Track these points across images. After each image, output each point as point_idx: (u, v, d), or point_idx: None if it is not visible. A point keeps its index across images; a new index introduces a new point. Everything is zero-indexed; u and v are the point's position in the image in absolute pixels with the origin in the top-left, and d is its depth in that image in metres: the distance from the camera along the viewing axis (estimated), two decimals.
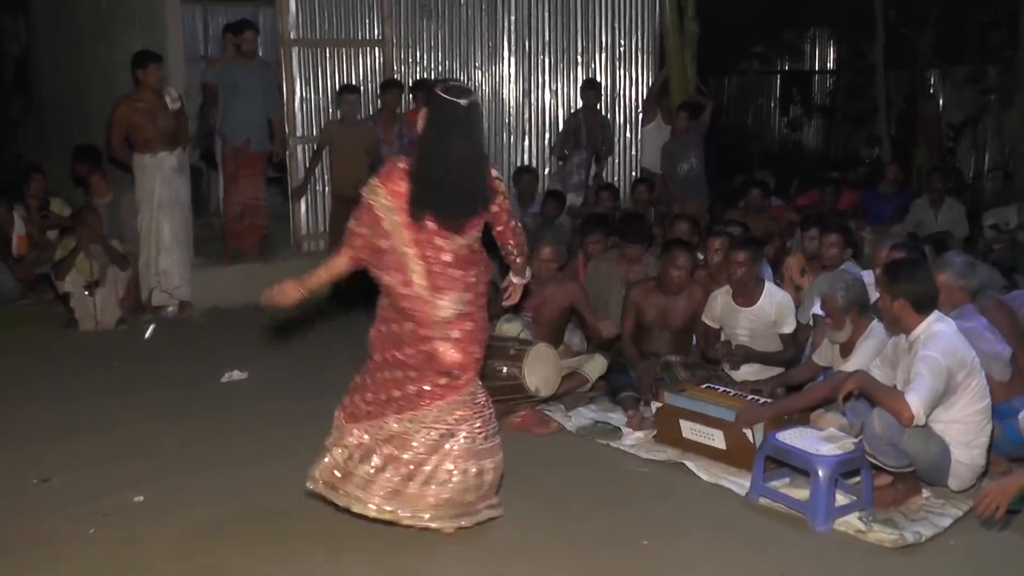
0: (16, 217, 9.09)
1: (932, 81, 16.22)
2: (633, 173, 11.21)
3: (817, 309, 5.80)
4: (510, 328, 6.21)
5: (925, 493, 4.80)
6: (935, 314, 4.69)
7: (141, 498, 4.94)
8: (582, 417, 6.02)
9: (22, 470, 5.31)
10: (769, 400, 5.38)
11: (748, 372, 6.08)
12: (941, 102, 15.72)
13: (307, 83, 9.62)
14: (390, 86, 9.41)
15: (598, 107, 10.76)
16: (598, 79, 11.01)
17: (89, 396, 6.60)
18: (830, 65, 19.22)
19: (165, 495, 4.97)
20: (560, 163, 10.50)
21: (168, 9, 9.28)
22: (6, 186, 9.55)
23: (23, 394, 6.65)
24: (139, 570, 4.25)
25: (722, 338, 6.18)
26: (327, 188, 9.60)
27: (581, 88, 10.75)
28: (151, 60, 8.23)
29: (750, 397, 5.43)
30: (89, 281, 8.18)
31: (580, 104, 10.70)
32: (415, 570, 4.20)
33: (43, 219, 9.49)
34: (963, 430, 4.64)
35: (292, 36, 9.51)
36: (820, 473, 4.54)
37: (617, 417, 5.97)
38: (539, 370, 5.77)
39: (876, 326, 5.27)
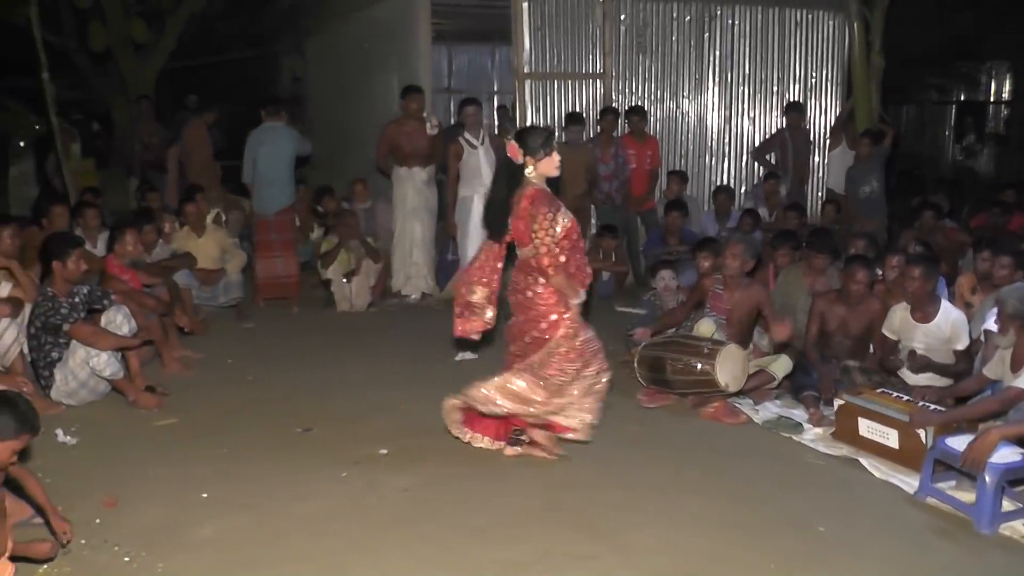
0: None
1: None
2: (819, 194, 10.83)
3: (989, 324, 5.47)
4: (705, 329, 6.11)
5: None
6: None
7: (385, 451, 5.10)
8: (768, 411, 5.90)
9: (289, 422, 5.56)
10: (940, 408, 5.13)
11: (922, 379, 5.80)
12: None
13: (537, 111, 9.67)
14: (608, 113, 9.37)
15: (802, 126, 10.46)
16: None
17: (344, 364, 6.86)
18: (1005, 96, 18.01)
19: (404, 450, 5.11)
20: (754, 184, 10.29)
21: (421, 49, 9.54)
22: None
23: (290, 361, 6.96)
24: (378, 510, 4.40)
25: (900, 348, 5.92)
26: None
27: (786, 108, 10.46)
28: (411, 91, 8.51)
29: (921, 403, 5.19)
30: (347, 271, 8.49)
31: (783, 124, 10.47)
32: (613, 532, 4.18)
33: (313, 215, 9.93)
34: None
35: (526, 70, 9.57)
36: (988, 478, 4.30)
37: (799, 413, 5.81)
38: (729, 368, 5.67)
39: None
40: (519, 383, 4.79)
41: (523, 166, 4.74)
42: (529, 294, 4.79)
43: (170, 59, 14.86)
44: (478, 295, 4.95)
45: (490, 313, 4.97)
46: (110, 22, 13.80)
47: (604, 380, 4.94)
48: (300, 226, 9.51)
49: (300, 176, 11.41)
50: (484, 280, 4.94)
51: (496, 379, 4.84)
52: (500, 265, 4.95)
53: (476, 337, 5.09)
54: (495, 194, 4.94)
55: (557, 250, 4.67)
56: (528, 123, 9.60)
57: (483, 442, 5.05)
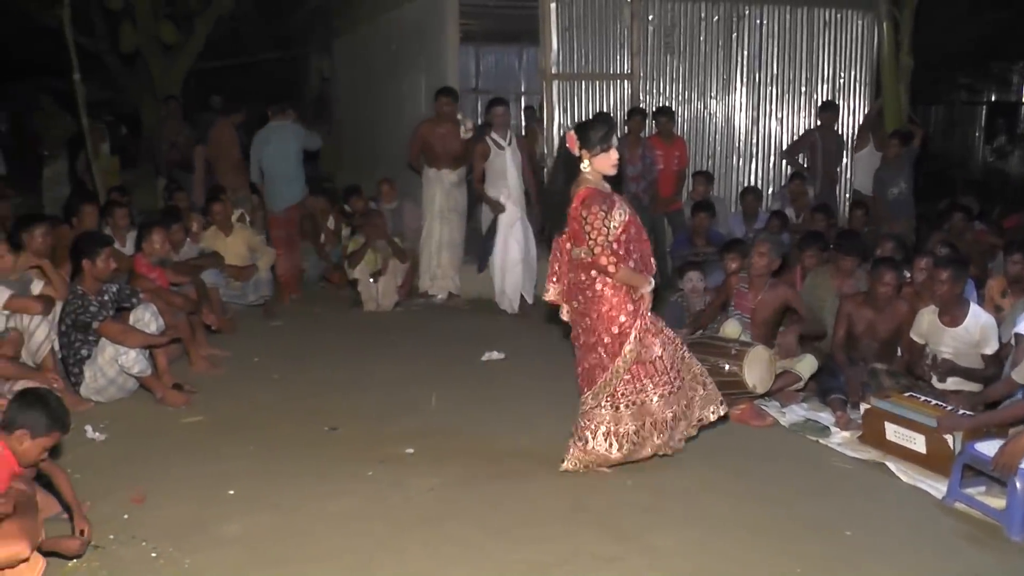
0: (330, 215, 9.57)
1: None
2: (847, 195, 10.75)
3: (1020, 328, 5.39)
4: (731, 331, 6.08)
5: None
6: None
7: (411, 450, 5.10)
8: (795, 414, 5.87)
9: (315, 420, 5.58)
10: (969, 412, 5.08)
11: (950, 384, 5.74)
12: None
13: (565, 111, 9.64)
14: (635, 114, 9.33)
15: (835, 127, 10.39)
16: (818, 108, 10.60)
17: (370, 363, 6.87)
18: None
19: (430, 450, 5.11)
20: (783, 186, 10.23)
21: (449, 49, 9.54)
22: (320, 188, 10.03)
23: (317, 359, 7.00)
24: (404, 508, 4.40)
25: (927, 352, 5.87)
26: None
27: (820, 108, 10.38)
28: (442, 93, 8.53)
29: (949, 408, 5.13)
30: (374, 271, 8.51)
31: (816, 124, 10.39)
32: (639, 533, 4.17)
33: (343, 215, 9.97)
34: None
35: (553, 71, 9.55)
36: (1019, 484, 4.23)
37: (826, 417, 5.77)
38: (757, 369, 5.64)
39: None
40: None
41: (579, 159, 4.56)
42: (589, 293, 4.60)
43: (198, 60, 14.98)
44: (551, 293, 4.81)
45: (565, 311, 4.81)
46: (140, 24, 13.93)
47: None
48: (334, 229, 9.53)
49: (325, 173, 11.51)
50: (557, 278, 4.79)
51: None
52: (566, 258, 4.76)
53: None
54: (552, 187, 4.80)
55: (615, 246, 4.49)
56: (555, 124, 9.61)
57: None
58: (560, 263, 4.77)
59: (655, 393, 4.65)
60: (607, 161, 4.55)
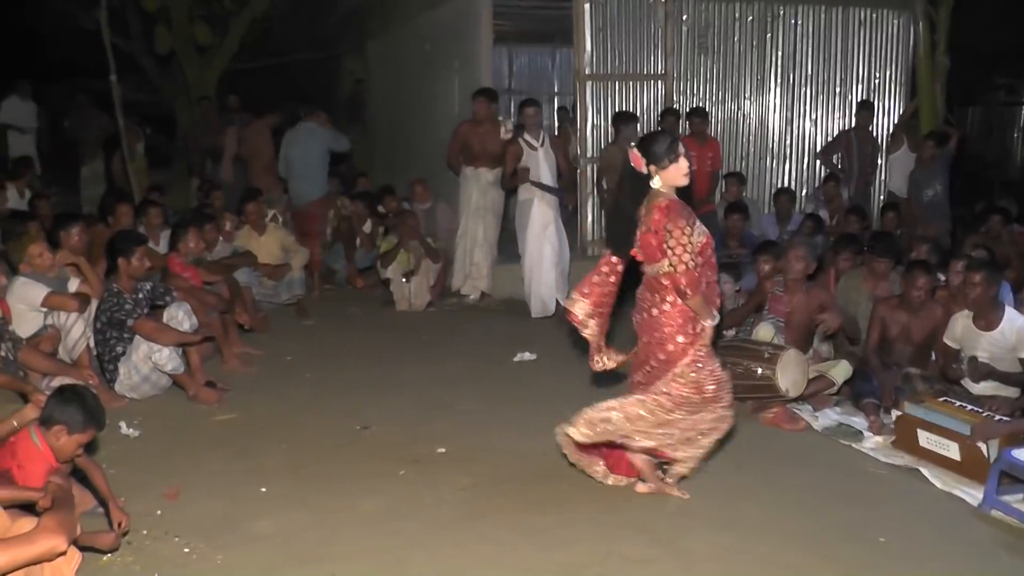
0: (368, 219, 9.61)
1: None
2: (881, 197, 10.65)
3: None
4: (764, 334, 6.04)
5: None
6: None
7: (443, 450, 5.12)
8: (827, 418, 5.81)
9: (348, 419, 5.61)
10: (1006, 417, 5.01)
11: (986, 388, 5.67)
12: None
13: (598, 112, 9.61)
14: (668, 114, 9.31)
15: (869, 128, 10.29)
16: (852, 109, 10.52)
17: (402, 363, 6.88)
18: None
19: (462, 450, 5.12)
20: (817, 188, 10.14)
21: (483, 50, 9.55)
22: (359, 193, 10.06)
23: (349, 358, 7.03)
24: (436, 508, 4.41)
25: (962, 356, 5.79)
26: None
27: (856, 109, 10.30)
28: (477, 95, 8.55)
29: (985, 414, 5.06)
30: (407, 270, 8.54)
31: (851, 125, 10.32)
32: (671, 537, 4.15)
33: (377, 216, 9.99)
34: None
35: (587, 72, 9.51)
36: None
37: (859, 421, 5.71)
38: (790, 373, 5.60)
39: None
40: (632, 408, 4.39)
41: (648, 176, 4.30)
42: (655, 312, 4.34)
43: (232, 61, 15.11)
44: (579, 308, 4.50)
45: (592, 327, 4.52)
46: (175, 26, 14.07)
47: (716, 432, 4.50)
48: (370, 233, 9.57)
49: (356, 173, 11.58)
50: (587, 293, 4.50)
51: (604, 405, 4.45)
52: (614, 280, 4.49)
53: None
54: (621, 207, 4.50)
55: (694, 265, 4.23)
56: (588, 125, 9.59)
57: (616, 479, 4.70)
58: (599, 283, 4.51)
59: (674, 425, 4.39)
60: (677, 172, 4.29)
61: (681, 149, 4.32)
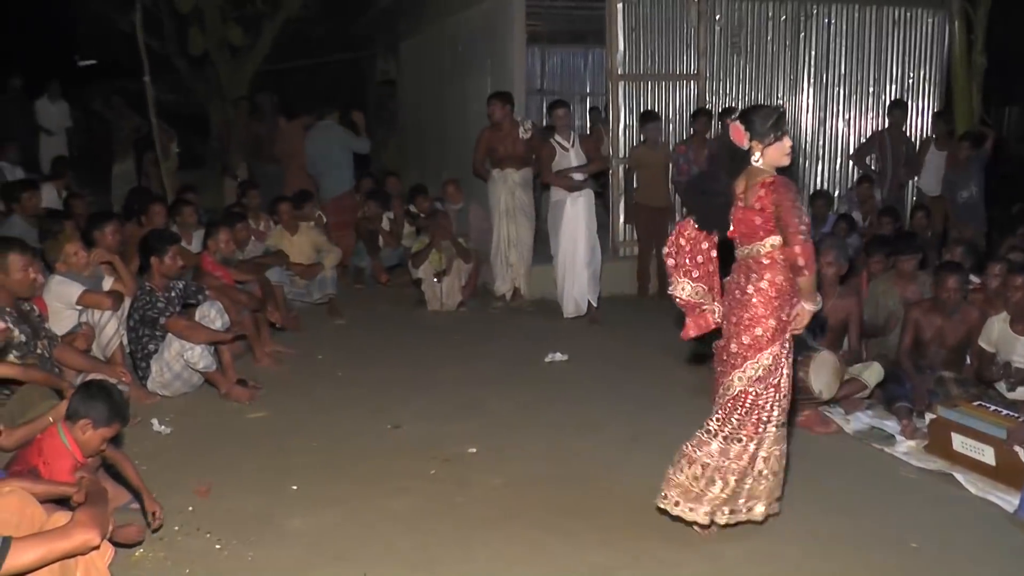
0: (384, 217, 9.66)
1: None
2: (913, 197, 10.54)
3: None
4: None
5: None
6: None
7: (474, 449, 5.12)
8: (860, 422, 5.77)
9: (379, 418, 5.63)
10: None
11: (1022, 392, 5.59)
12: None
13: (630, 112, 9.59)
14: (701, 114, 9.27)
15: (903, 128, 10.21)
16: (886, 109, 10.42)
17: (433, 362, 6.90)
18: None
19: (493, 450, 5.13)
20: (850, 189, 10.05)
21: (515, 51, 9.55)
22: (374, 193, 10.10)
23: (381, 358, 7.04)
24: (467, 507, 4.41)
25: (997, 360, 5.72)
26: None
27: (888, 108, 10.23)
28: (491, 99, 8.53)
29: (1021, 419, 5.00)
30: (438, 271, 8.56)
31: (884, 125, 10.23)
32: (703, 540, 4.12)
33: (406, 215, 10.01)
34: None
35: (620, 72, 9.50)
36: None
37: (892, 425, 5.65)
38: (823, 375, 5.53)
39: None
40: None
41: (749, 152, 4.01)
42: (750, 290, 4.00)
43: (265, 62, 15.21)
44: (688, 290, 4.16)
45: (716, 307, 4.18)
46: (208, 27, 14.16)
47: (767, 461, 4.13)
48: (390, 230, 9.60)
49: (377, 173, 11.66)
50: (689, 271, 4.16)
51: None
52: (715, 255, 4.17)
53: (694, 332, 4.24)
54: (713, 184, 4.19)
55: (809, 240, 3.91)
56: (621, 125, 9.58)
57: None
58: (694, 256, 4.16)
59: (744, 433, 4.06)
60: (781, 151, 3.99)
61: (787, 126, 4.08)
